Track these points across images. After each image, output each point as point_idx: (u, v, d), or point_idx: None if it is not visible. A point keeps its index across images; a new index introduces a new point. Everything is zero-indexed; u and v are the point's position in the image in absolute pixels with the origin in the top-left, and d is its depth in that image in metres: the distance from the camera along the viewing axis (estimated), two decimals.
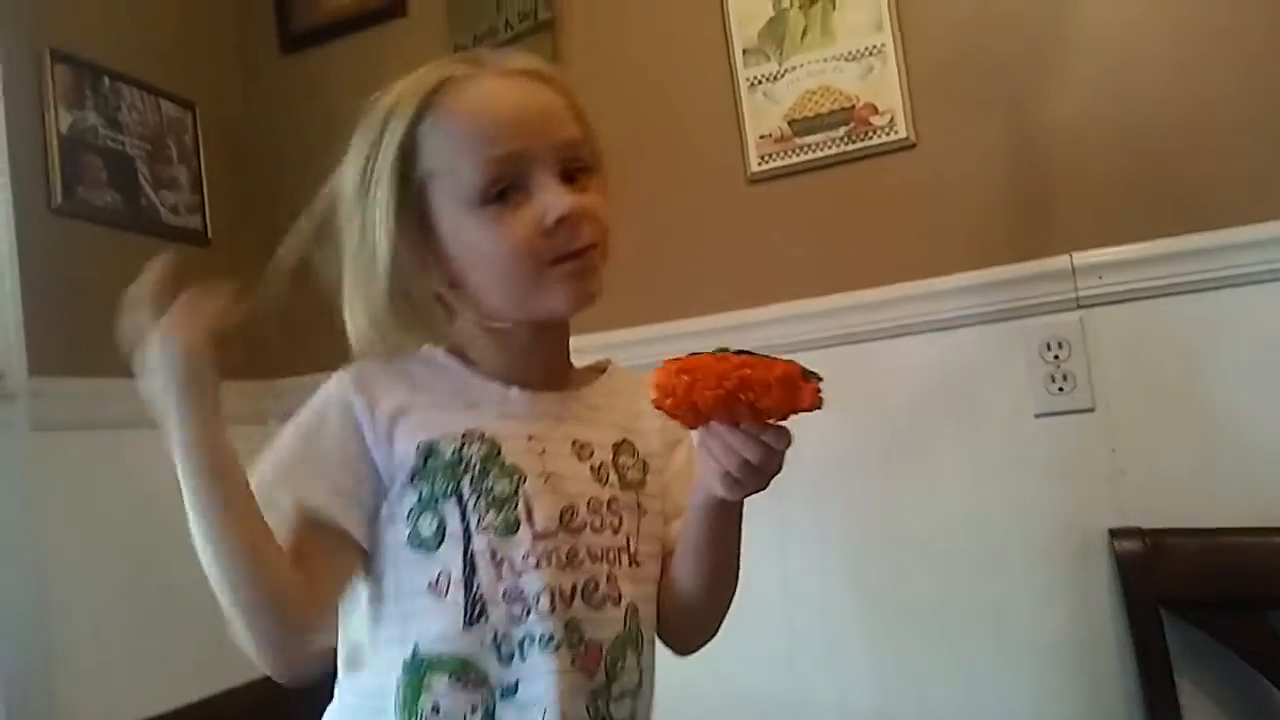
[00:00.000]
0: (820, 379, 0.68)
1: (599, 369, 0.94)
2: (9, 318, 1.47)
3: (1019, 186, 1.50)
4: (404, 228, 0.80)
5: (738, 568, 0.87)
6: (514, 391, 0.84)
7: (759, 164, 1.63)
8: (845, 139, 1.58)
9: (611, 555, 0.82)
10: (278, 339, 1.52)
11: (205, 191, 1.88)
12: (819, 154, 1.60)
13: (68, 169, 1.59)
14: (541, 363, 0.87)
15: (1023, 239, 1.49)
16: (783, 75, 1.62)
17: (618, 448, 0.87)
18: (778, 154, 1.62)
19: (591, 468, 0.84)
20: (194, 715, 1.52)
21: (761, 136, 1.63)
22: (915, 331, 1.53)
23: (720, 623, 0.90)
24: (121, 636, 1.57)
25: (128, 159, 1.71)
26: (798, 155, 1.61)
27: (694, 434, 0.74)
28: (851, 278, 1.56)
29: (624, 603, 0.82)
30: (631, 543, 0.84)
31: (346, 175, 0.84)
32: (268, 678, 0.74)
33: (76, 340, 1.58)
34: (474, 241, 0.80)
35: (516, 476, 0.80)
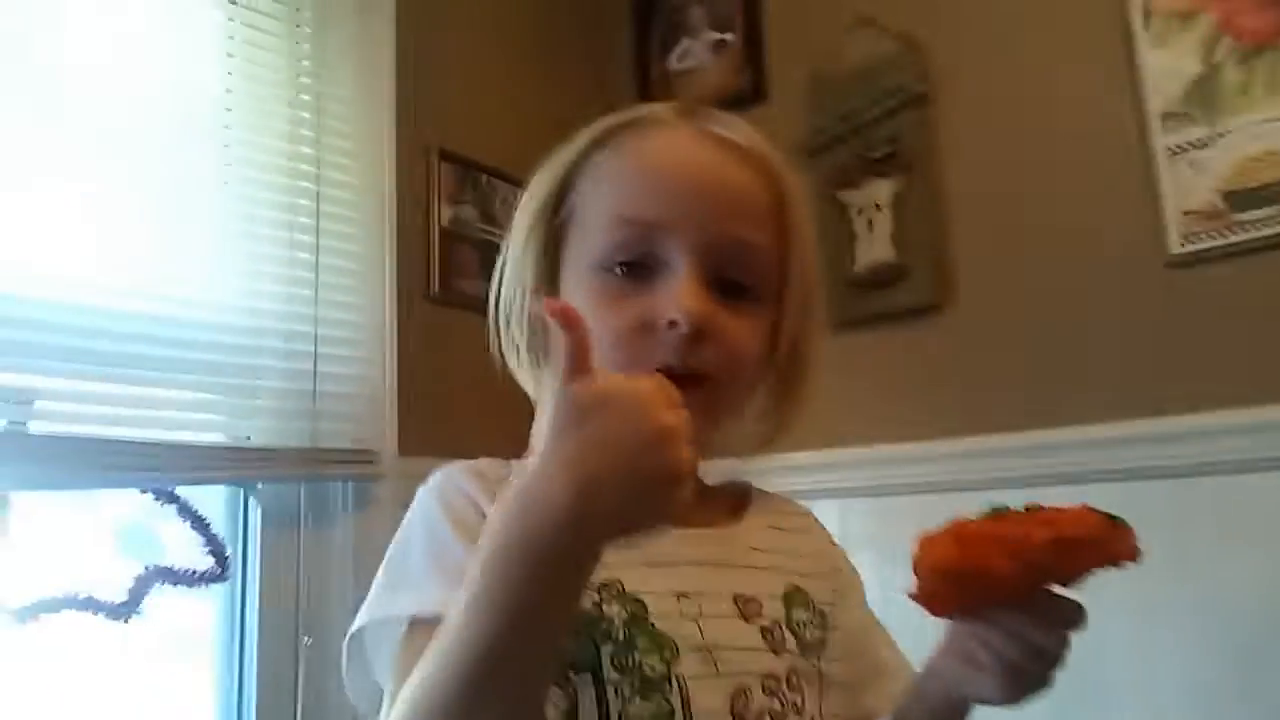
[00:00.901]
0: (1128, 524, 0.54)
1: (741, 491, 0.76)
2: (384, 401, 1.54)
3: None
4: (534, 261, 0.70)
5: None
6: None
7: (1182, 244, 1.36)
8: None
9: None
10: None
11: None
12: (1265, 232, 1.31)
13: (446, 260, 1.68)
14: None
15: None
16: (1215, 140, 1.35)
17: (790, 600, 0.67)
18: (1208, 233, 1.34)
19: (763, 630, 0.65)
20: None
21: (1186, 213, 1.36)
22: None
23: None
24: None
25: (496, 250, 1.78)
26: (1235, 234, 1.32)
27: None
28: None
29: None
30: None
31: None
32: None
33: (440, 422, 1.63)
34: (580, 309, 0.61)
35: (668, 651, 0.61)
